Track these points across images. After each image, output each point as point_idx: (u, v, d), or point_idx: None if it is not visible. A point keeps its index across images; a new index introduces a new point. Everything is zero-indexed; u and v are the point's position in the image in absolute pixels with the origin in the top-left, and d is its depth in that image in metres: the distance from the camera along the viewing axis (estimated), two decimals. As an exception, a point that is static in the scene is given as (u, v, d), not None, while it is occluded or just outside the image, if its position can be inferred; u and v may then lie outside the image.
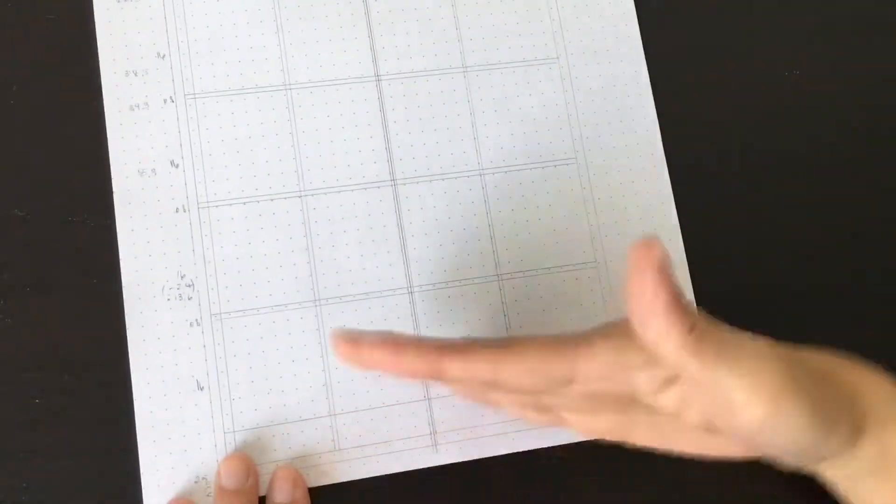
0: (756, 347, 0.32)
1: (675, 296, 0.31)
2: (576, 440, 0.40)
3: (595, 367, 0.33)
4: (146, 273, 0.39)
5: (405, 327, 0.40)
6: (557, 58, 0.44)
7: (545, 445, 0.40)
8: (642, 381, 0.33)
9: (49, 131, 0.40)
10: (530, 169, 0.43)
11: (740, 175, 0.44)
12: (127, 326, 0.38)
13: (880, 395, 0.34)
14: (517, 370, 0.34)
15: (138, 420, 0.38)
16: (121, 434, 0.38)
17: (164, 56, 0.41)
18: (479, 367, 0.34)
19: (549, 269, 0.42)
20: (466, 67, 0.43)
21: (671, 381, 0.33)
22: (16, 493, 0.37)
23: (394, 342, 0.34)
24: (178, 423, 0.38)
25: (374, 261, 0.41)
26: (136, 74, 0.41)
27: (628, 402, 0.35)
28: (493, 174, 0.42)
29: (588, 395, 0.35)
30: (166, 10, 0.41)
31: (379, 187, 0.41)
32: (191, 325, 0.39)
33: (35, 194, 0.39)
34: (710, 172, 0.44)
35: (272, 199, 0.40)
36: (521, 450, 0.39)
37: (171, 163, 0.40)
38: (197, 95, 0.41)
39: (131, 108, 0.40)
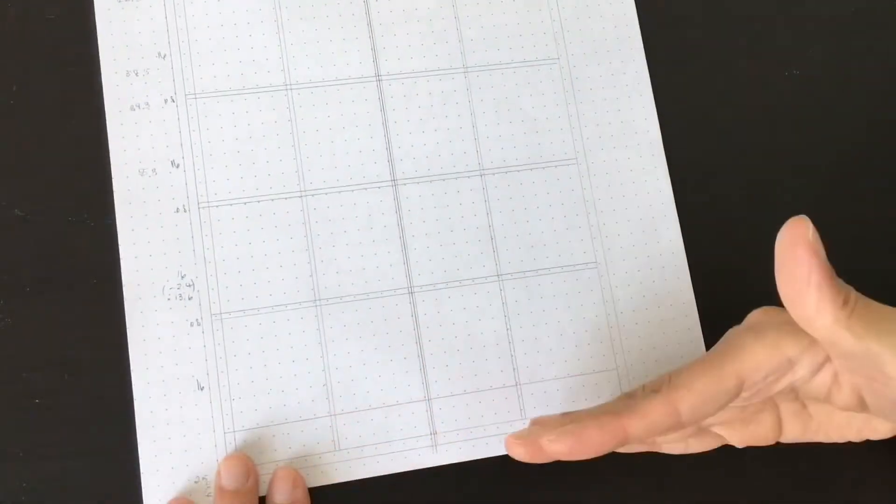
0: None
1: (828, 271, 0.32)
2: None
3: (760, 370, 0.34)
4: (146, 273, 0.39)
5: (405, 327, 0.40)
6: (558, 58, 0.44)
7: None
8: (799, 370, 0.34)
9: (49, 131, 0.40)
10: (531, 169, 0.43)
11: (740, 175, 0.44)
12: (127, 326, 0.38)
13: None
14: (693, 403, 0.34)
15: (138, 420, 0.38)
16: (121, 434, 0.38)
17: (164, 56, 0.41)
18: (658, 418, 0.34)
19: (549, 269, 0.42)
20: (467, 68, 0.43)
21: (823, 364, 0.34)
22: (16, 493, 0.37)
23: (571, 430, 0.34)
24: (178, 423, 0.38)
25: (374, 261, 0.41)
26: (136, 74, 0.41)
27: (776, 402, 0.37)
28: (494, 174, 0.42)
29: (744, 406, 0.36)
30: (167, 10, 0.41)
31: (379, 187, 0.41)
32: (191, 325, 0.39)
33: (35, 194, 0.39)
34: (710, 172, 0.44)
35: (272, 199, 0.40)
36: (521, 450, 0.39)
37: (172, 163, 0.40)
38: (198, 95, 0.41)
39: (132, 108, 0.40)
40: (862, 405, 0.34)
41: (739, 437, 0.38)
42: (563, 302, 0.41)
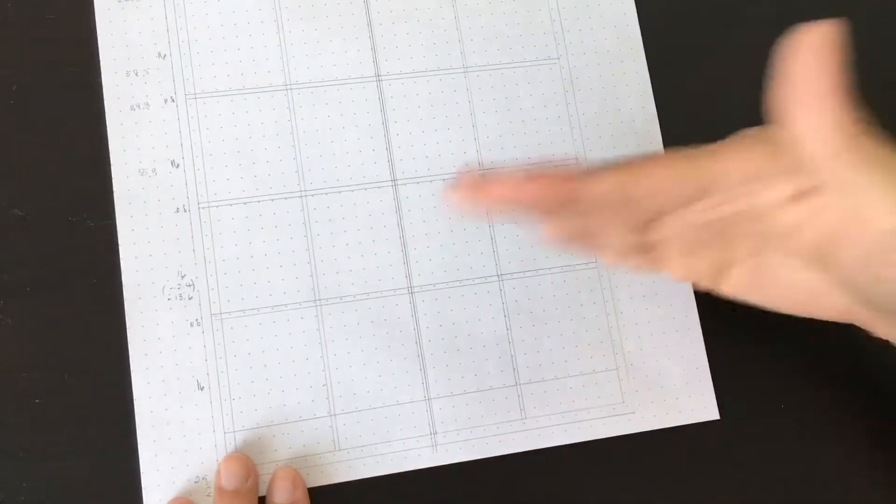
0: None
1: (835, 86, 0.28)
2: (575, 441, 0.40)
3: (729, 175, 0.32)
4: (146, 273, 0.39)
5: (405, 327, 0.40)
6: (558, 58, 0.44)
7: (545, 446, 0.40)
8: (769, 192, 0.31)
9: (49, 131, 0.40)
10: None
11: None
12: (127, 326, 0.38)
13: None
14: (652, 187, 0.32)
15: (138, 420, 0.38)
16: (121, 434, 0.38)
17: (164, 56, 0.41)
18: (611, 188, 0.32)
19: (549, 269, 0.42)
20: (467, 67, 0.43)
21: (803, 195, 0.31)
22: (16, 493, 0.37)
23: (520, 179, 0.32)
24: (178, 423, 0.38)
25: (374, 261, 0.41)
26: (136, 74, 0.41)
27: (733, 237, 0.34)
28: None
29: (701, 226, 0.34)
30: (167, 10, 0.41)
31: (379, 187, 0.41)
32: (191, 325, 0.39)
33: (35, 194, 0.39)
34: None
35: (272, 199, 0.40)
36: (520, 450, 0.39)
37: (172, 162, 0.40)
38: (198, 95, 0.41)
39: (132, 108, 0.40)
40: (821, 262, 0.32)
41: (682, 269, 0.36)
42: (564, 302, 0.41)
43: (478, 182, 0.33)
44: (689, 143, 0.44)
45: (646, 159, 0.33)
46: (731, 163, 0.32)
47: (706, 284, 0.36)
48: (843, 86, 0.29)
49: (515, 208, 0.33)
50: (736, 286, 0.36)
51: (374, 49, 0.43)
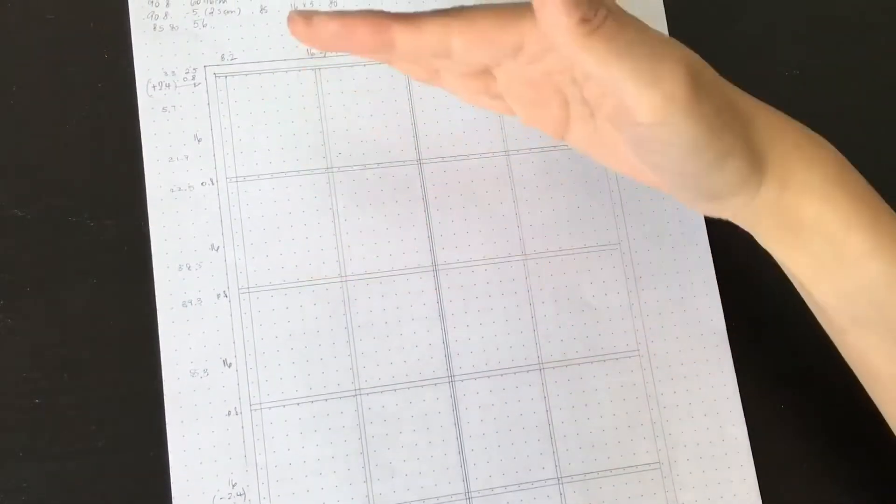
0: (663, 52, 0.31)
1: None
2: None
3: (539, 37, 0.32)
4: (196, 482, 0.38)
5: (463, 538, 0.39)
6: (619, 243, 0.43)
7: None
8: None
9: (49, 131, 0.40)
10: (591, 363, 0.41)
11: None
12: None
13: (794, 156, 0.33)
14: (468, 36, 0.33)
15: None
16: (121, 434, 0.38)
17: (217, 248, 0.40)
18: (429, 37, 0.33)
19: (610, 470, 0.40)
20: (526, 255, 0.42)
21: (584, 80, 0.33)
22: (16, 493, 0.37)
23: (345, 14, 0.33)
24: None
25: (430, 463, 0.39)
26: (189, 268, 0.40)
27: (568, 99, 0.35)
28: (554, 369, 0.41)
29: (533, 82, 0.35)
30: (220, 200, 0.40)
31: (436, 384, 0.40)
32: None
33: (35, 194, 0.39)
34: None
35: (326, 400, 0.39)
36: None
37: (224, 362, 0.39)
38: (251, 289, 0.40)
39: (184, 305, 0.39)
40: (618, 129, 0.34)
41: (526, 115, 0.37)
42: (627, 509, 0.40)
43: (308, 16, 0.33)
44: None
45: (459, 11, 0.33)
46: (533, 29, 0.32)
47: (551, 134, 0.37)
48: None
49: (344, 50, 0.34)
50: (576, 142, 0.37)
51: (431, 237, 0.42)
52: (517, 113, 0.37)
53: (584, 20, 0.29)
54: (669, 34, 0.45)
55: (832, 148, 0.34)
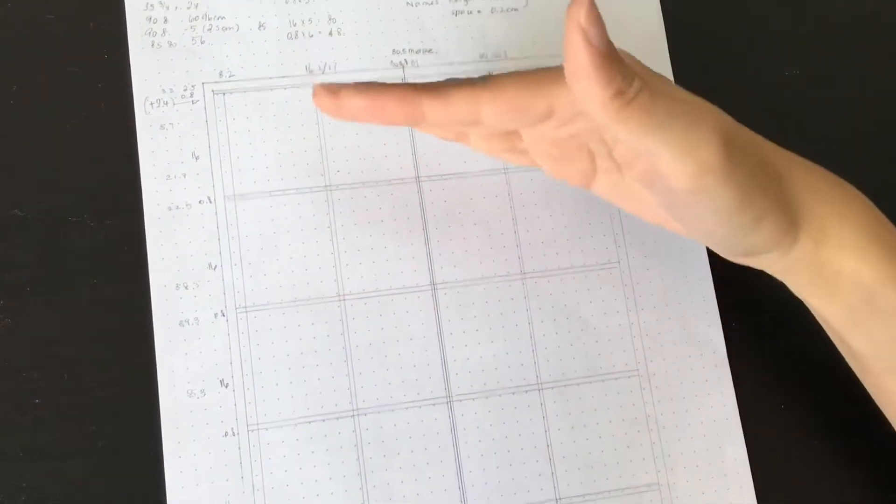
0: (697, 119, 0.30)
1: (599, 53, 0.29)
2: None
3: (573, 106, 0.33)
4: (193, 500, 0.37)
5: (460, 560, 0.38)
6: (618, 262, 0.42)
7: None
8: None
9: (49, 131, 0.40)
10: (590, 383, 0.41)
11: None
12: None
13: (828, 211, 0.33)
14: (497, 106, 0.33)
15: None
16: (121, 434, 0.38)
17: (215, 267, 0.40)
18: (458, 107, 0.33)
19: (609, 491, 0.40)
20: (525, 273, 0.42)
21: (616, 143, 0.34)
22: (16, 493, 0.37)
23: (373, 88, 0.33)
24: None
25: (428, 485, 0.39)
26: (186, 287, 0.39)
27: (594, 154, 0.36)
28: (552, 389, 0.41)
29: (560, 141, 0.35)
30: (218, 218, 0.40)
31: (434, 405, 0.40)
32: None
33: (35, 194, 0.39)
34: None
35: (324, 420, 0.39)
36: None
37: (221, 382, 0.39)
38: (248, 309, 0.39)
39: (181, 324, 0.39)
40: (651, 192, 0.34)
41: (552, 169, 0.37)
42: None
43: (334, 90, 0.34)
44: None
45: (488, 80, 0.33)
46: (562, 96, 0.33)
47: (577, 186, 0.38)
48: (605, 53, 0.29)
49: (370, 122, 0.34)
50: (602, 192, 0.38)
51: (429, 256, 0.41)
52: (542, 167, 0.38)
53: (620, 93, 0.29)
54: (668, 35, 0.45)
55: (863, 198, 0.34)
